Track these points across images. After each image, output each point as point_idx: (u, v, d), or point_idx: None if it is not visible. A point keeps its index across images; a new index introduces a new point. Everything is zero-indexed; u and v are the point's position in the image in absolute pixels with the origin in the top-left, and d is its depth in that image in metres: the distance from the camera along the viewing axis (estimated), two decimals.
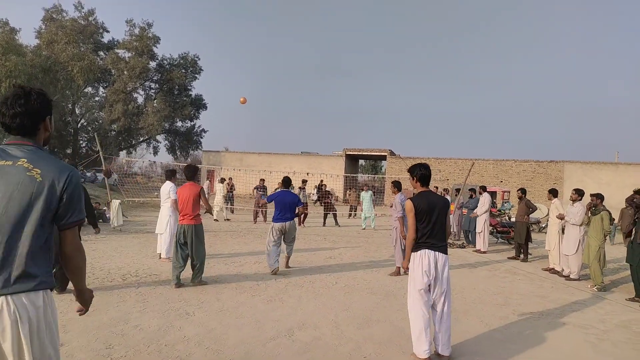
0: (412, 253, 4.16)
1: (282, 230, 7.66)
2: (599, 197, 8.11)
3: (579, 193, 8.64)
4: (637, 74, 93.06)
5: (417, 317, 4.05)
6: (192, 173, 6.94)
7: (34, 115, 1.98)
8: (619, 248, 12.68)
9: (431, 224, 4.08)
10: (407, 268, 4.24)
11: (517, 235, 10.58)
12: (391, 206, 8.93)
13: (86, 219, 7.28)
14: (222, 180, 16.93)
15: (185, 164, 7.45)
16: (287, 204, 7.67)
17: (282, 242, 7.82)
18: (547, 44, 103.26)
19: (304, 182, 16.43)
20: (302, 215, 15.37)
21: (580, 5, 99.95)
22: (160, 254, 8.32)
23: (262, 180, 17.41)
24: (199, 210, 6.62)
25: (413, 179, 4.33)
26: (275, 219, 7.72)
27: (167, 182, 8.52)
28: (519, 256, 10.46)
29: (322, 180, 18.64)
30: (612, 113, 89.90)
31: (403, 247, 7.96)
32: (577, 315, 5.93)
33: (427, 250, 4.06)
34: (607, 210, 7.88)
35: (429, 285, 4.07)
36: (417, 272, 4.07)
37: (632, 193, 9.72)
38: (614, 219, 8.06)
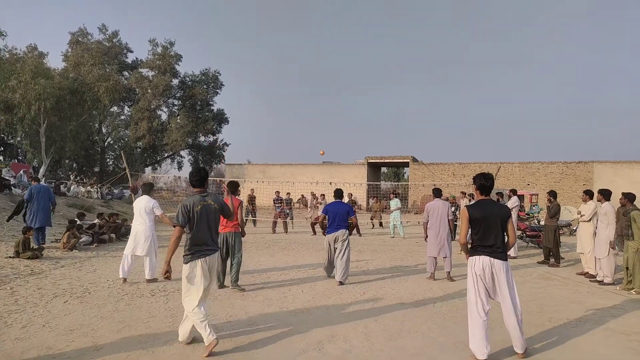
0: (470, 257, 4.43)
1: (332, 239, 7.79)
2: (626, 196, 7.83)
3: (587, 194, 8.98)
4: None
5: (472, 318, 4.31)
6: (234, 188, 6.99)
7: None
8: None
9: (485, 231, 4.29)
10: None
11: (546, 239, 10.30)
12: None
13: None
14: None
15: (229, 180, 7.40)
16: (337, 215, 7.84)
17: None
18: (571, 43, 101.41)
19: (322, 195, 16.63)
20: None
21: (606, 2, 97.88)
22: (131, 280, 7.57)
23: (278, 192, 17.59)
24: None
25: (475, 188, 4.58)
26: (327, 232, 7.92)
27: (145, 196, 7.84)
28: (549, 260, 10.15)
29: (350, 194, 18.61)
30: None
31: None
32: (618, 321, 5.68)
33: (482, 256, 4.30)
34: (638, 209, 7.57)
35: (485, 289, 4.32)
36: (471, 276, 4.37)
37: None
38: None
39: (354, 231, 15.83)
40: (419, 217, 24.20)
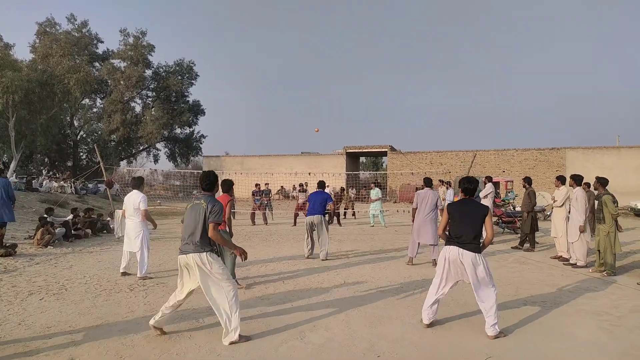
0: (444, 246, 4.89)
1: (310, 222, 9.08)
2: (599, 181, 8.04)
3: (560, 180, 9.27)
4: (634, 57, 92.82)
5: (429, 293, 4.93)
6: (227, 187, 6.86)
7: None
8: (627, 233, 12.61)
9: (458, 225, 4.74)
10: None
11: (523, 224, 10.54)
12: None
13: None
14: None
15: (224, 179, 7.15)
16: (316, 201, 9.11)
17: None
18: (544, 33, 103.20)
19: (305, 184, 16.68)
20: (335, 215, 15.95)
21: None
22: (132, 272, 7.54)
23: (257, 185, 17.43)
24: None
25: (460, 190, 5.03)
26: (307, 214, 9.27)
27: (135, 191, 7.60)
28: (522, 245, 10.39)
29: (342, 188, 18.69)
30: (611, 97, 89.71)
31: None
32: (590, 303, 5.87)
33: (452, 246, 4.75)
34: (610, 194, 7.79)
35: (450, 274, 4.79)
36: (441, 260, 4.86)
37: None
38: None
39: (335, 221, 15.96)
40: (398, 206, 24.47)
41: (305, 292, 6.41)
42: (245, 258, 4.78)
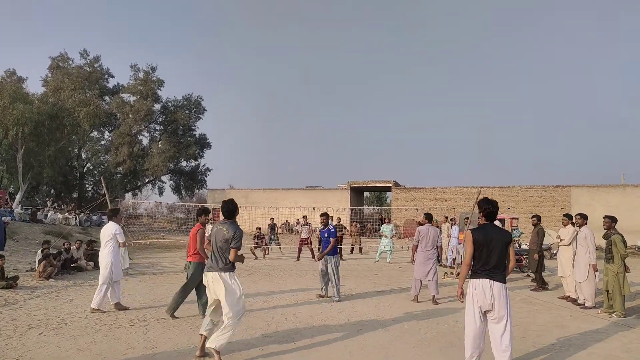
0: (469, 280, 4.50)
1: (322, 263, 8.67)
2: (612, 220, 7.91)
3: (567, 217, 9.21)
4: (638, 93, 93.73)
5: (468, 338, 4.42)
6: (198, 213, 7.18)
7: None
8: (635, 273, 12.40)
9: (487, 254, 4.38)
10: (461, 295, 4.66)
11: (531, 263, 10.38)
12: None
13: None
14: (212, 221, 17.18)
15: (201, 207, 7.42)
16: (323, 238, 8.78)
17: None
18: (549, 70, 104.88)
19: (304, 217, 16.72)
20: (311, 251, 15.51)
21: (581, 25, 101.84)
22: (125, 305, 7.53)
23: (272, 219, 18.12)
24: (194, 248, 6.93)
25: (480, 213, 4.66)
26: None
27: (110, 222, 7.62)
28: (541, 285, 10.10)
29: (339, 219, 18.53)
30: (616, 134, 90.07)
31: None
32: (601, 345, 5.72)
33: (482, 278, 4.37)
34: (619, 234, 7.70)
35: (485, 311, 4.38)
36: (470, 297, 4.44)
37: None
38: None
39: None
40: (402, 242, 24.25)
41: (309, 330, 6.29)
42: None
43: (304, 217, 17.34)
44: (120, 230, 7.61)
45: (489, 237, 4.40)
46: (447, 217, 15.99)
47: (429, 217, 8.96)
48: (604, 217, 8.06)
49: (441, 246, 8.95)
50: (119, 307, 7.43)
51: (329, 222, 9.00)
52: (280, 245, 17.87)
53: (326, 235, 8.67)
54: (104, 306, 7.39)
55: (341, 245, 16.51)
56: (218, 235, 5.03)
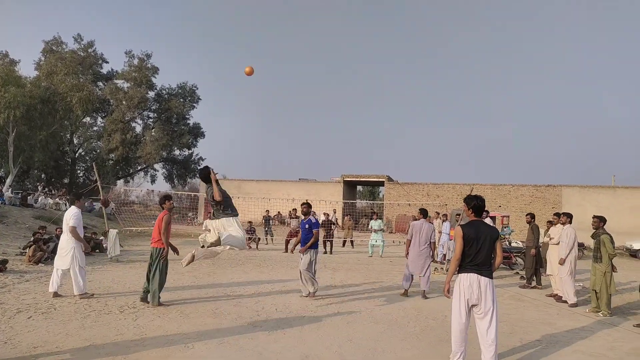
0: (458, 274, 4.55)
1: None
2: (601, 219, 7.99)
3: (557, 216, 9.31)
4: (631, 96, 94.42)
5: (454, 332, 4.52)
6: (160, 201, 7.50)
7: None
8: (621, 272, 12.55)
9: (477, 250, 4.45)
10: (448, 290, 4.66)
11: (527, 260, 10.44)
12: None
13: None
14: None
15: (163, 194, 7.65)
16: (304, 229, 8.09)
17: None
18: (543, 70, 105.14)
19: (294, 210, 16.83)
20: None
21: (574, 26, 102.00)
22: (65, 294, 7.32)
23: (267, 211, 18.46)
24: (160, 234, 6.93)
25: (468, 209, 4.71)
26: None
27: (72, 207, 7.54)
28: (530, 282, 10.17)
29: (334, 210, 18.71)
30: (607, 135, 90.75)
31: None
32: (586, 343, 5.80)
33: (470, 273, 4.45)
34: (608, 234, 7.78)
35: (471, 306, 4.45)
36: (457, 291, 4.50)
37: None
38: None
39: (328, 248, 15.83)
40: (394, 237, 24.35)
41: (298, 320, 6.32)
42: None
43: (293, 209, 17.37)
44: (77, 214, 7.41)
45: (479, 233, 4.48)
46: (438, 213, 16.06)
47: (423, 213, 8.90)
48: (593, 217, 8.15)
49: (434, 242, 8.96)
50: (56, 295, 7.22)
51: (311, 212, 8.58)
52: (272, 237, 18.02)
53: (307, 226, 7.98)
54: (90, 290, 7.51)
55: (332, 238, 16.56)
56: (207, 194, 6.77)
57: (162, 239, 6.87)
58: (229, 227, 6.51)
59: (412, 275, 8.56)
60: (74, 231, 7.25)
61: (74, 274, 7.17)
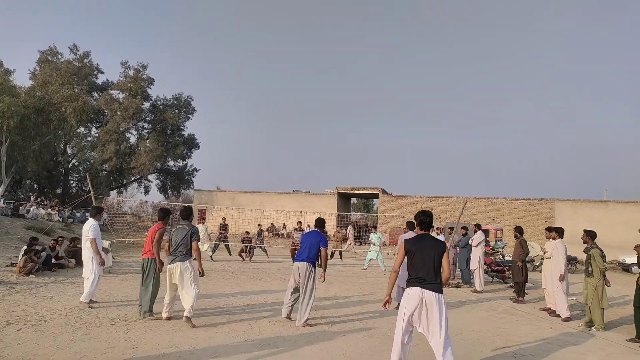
0: (405, 288, 4.55)
1: (295, 273, 6.98)
2: (589, 234, 8.06)
3: (551, 230, 9.15)
4: (624, 114, 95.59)
5: (395, 345, 4.45)
6: (162, 215, 7.18)
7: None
8: (614, 287, 12.59)
9: (418, 263, 4.45)
10: (385, 303, 4.72)
11: (516, 274, 10.37)
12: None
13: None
14: (203, 221, 17.18)
15: (161, 207, 7.65)
16: (311, 244, 7.05)
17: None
18: (537, 84, 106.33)
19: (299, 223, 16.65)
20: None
21: (572, 44, 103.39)
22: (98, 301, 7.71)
23: (260, 225, 18.43)
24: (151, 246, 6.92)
25: (417, 224, 4.78)
26: (295, 259, 7.27)
27: (90, 219, 7.79)
28: (520, 296, 10.16)
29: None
30: (600, 151, 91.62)
31: None
32: (579, 358, 5.80)
33: (414, 287, 4.41)
34: (598, 248, 7.84)
35: (410, 320, 4.39)
36: (402, 306, 4.49)
37: None
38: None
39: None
40: (388, 249, 24.31)
41: (292, 334, 6.27)
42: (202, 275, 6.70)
43: (298, 222, 17.39)
44: (96, 226, 7.69)
45: (422, 246, 4.50)
46: (433, 226, 16.06)
47: (410, 226, 8.58)
48: (583, 232, 8.22)
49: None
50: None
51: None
52: (266, 251, 17.87)
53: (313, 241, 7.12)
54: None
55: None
56: (180, 233, 6.52)
57: (153, 249, 6.86)
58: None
59: (403, 289, 8.10)
60: (93, 242, 7.55)
61: (89, 282, 7.50)
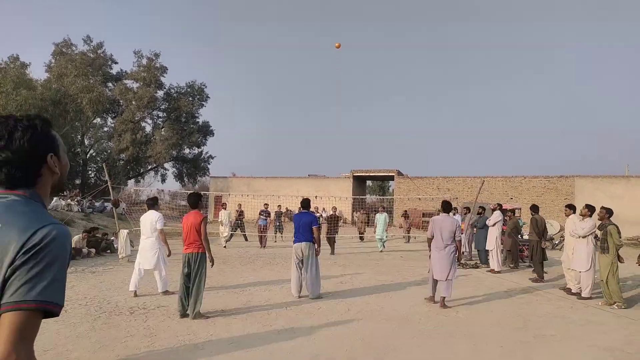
0: None
1: (298, 251, 7.73)
2: (607, 211, 7.89)
3: (589, 209, 8.41)
4: None
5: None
6: (194, 201, 6.75)
7: (24, 160, 1.32)
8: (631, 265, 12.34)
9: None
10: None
11: (533, 254, 10.29)
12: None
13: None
14: (224, 206, 16.98)
15: (189, 192, 7.45)
16: (301, 225, 7.76)
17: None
18: (555, 61, 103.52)
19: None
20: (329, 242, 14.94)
21: (588, 24, 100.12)
22: (143, 293, 7.69)
23: (266, 204, 17.48)
24: (201, 238, 6.44)
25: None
26: (294, 241, 7.90)
27: (151, 211, 7.94)
28: (540, 277, 10.03)
29: (334, 208, 18.39)
30: (620, 126, 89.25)
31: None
32: (601, 338, 5.69)
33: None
34: (614, 224, 7.67)
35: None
36: None
37: None
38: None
39: (330, 249, 15.50)
40: (399, 231, 24.21)
41: (308, 319, 6.28)
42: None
43: (266, 204, 17.38)
44: (162, 217, 7.91)
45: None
46: (455, 208, 15.94)
47: (446, 207, 7.68)
48: (600, 208, 8.03)
49: (460, 240, 7.69)
50: (136, 295, 7.66)
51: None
52: (282, 233, 18.07)
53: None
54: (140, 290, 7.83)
55: (334, 234, 16.05)
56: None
57: (203, 243, 6.42)
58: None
59: (436, 281, 7.43)
60: (162, 233, 7.74)
61: (159, 274, 7.73)
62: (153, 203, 8.11)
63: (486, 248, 11.62)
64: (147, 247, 7.81)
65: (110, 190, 14.16)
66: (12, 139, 1.31)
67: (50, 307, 1.19)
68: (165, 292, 7.71)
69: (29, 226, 1.22)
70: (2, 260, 1.17)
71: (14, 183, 1.33)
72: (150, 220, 7.83)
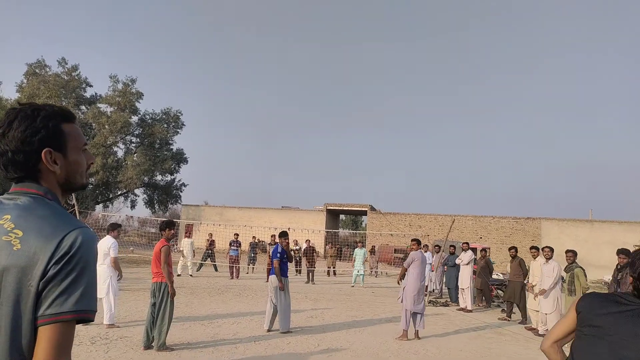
0: None
1: (271, 283, 7.75)
2: (573, 253, 8.17)
3: (550, 249, 8.68)
4: (608, 132, 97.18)
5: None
6: (160, 228, 6.62)
7: (19, 152, 1.25)
8: None
9: None
10: None
11: (512, 295, 10.22)
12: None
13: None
14: (189, 235, 16.90)
15: (160, 220, 7.30)
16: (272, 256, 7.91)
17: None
18: (522, 105, 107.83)
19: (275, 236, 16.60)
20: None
21: (558, 66, 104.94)
22: (94, 322, 6.64)
23: (236, 234, 17.15)
24: (160, 267, 6.21)
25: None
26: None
27: (107, 237, 7.56)
28: (510, 317, 10.11)
29: (308, 240, 18.35)
30: (585, 170, 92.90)
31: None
32: None
33: None
34: (581, 267, 7.93)
35: None
36: None
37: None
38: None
39: (310, 278, 15.73)
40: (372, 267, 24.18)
41: (277, 354, 6.14)
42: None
43: (236, 234, 17.02)
44: (116, 245, 7.58)
45: None
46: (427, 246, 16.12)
47: (418, 242, 8.10)
48: (566, 252, 8.29)
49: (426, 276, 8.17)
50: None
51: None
52: (254, 265, 17.85)
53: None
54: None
55: (314, 267, 16.40)
56: None
57: (163, 272, 6.16)
58: None
59: (410, 312, 7.52)
60: (116, 262, 7.42)
61: (108, 304, 7.20)
62: (111, 229, 7.72)
63: (460, 287, 11.66)
64: (99, 275, 7.15)
65: (77, 214, 13.73)
66: (10, 127, 1.25)
67: (87, 315, 1.15)
68: (111, 326, 7.08)
69: (55, 233, 1.15)
70: (31, 273, 1.11)
71: (17, 175, 1.27)
72: (103, 246, 7.36)
